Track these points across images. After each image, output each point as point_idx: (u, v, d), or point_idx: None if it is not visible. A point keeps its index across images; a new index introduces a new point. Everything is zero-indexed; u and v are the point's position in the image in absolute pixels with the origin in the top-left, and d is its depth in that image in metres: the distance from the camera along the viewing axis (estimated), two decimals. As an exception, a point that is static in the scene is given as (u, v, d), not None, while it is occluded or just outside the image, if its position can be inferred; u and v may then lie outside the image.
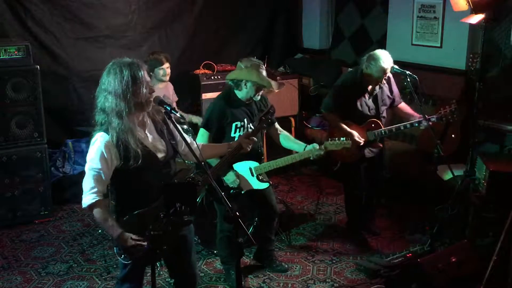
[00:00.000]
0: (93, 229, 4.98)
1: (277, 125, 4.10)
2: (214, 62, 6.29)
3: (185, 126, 4.74)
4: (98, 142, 2.72)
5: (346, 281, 4.19)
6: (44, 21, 5.51)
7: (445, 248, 4.22)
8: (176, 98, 5.45)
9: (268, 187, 4.04)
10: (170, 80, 5.30)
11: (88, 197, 2.72)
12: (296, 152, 3.96)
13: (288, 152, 4.06)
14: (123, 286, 3.02)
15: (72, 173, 5.61)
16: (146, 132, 2.84)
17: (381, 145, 4.57)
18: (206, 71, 6.23)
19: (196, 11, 6.45)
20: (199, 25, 6.48)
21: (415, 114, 4.51)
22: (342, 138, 3.89)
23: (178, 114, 2.96)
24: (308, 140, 6.51)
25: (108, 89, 2.69)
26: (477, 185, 4.39)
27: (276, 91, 3.93)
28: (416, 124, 4.40)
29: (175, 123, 2.88)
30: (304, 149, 3.88)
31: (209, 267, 4.38)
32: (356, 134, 4.41)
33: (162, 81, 5.08)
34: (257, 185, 3.94)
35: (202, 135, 3.86)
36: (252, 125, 3.89)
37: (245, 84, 3.79)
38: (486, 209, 4.24)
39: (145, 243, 2.70)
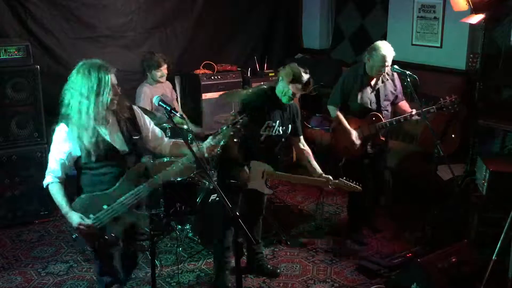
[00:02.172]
0: (93, 229, 4.98)
1: (302, 140, 4.12)
2: (214, 62, 6.29)
3: (185, 126, 4.74)
4: (58, 132, 3.01)
5: (346, 281, 4.19)
6: (44, 21, 5.51)
7: (445, 248, 4.21)
8: (175, 96, 5.47)
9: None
10: (170, 79, 5.32)
11: (47, 178, 3.05)
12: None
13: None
14: (103, 278, 3.27)
15: (72, 173, 5.59)
16: (107, 127, 3.05)
17: (383, 139, 4.59)
18: (206, 71, 6.22)
19: (196, 11, 6.44)
20: (199, 25, 6.48)
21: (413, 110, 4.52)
22: (354, 182, 3.98)
23: (178, 114, 3.09)
24: (308, 140, 6.52)
25: (75, 87, 2.93)
26: (477, 185, 4.40)
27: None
28: (417, 116, 4.39)
29: (175, 123, 3.05)
30: (318, 176, 3.98)
31: (209, 267, 4.37)
32: (354, 134, 4.48)
33: (159, 82, 5.12)
34: (261, 188, 3.95)
35: None
36: (281, 129, 3.90)
37: (280, 81, 3.82)
38: (486, 209, 4.24)
39: (89, 226, 2.98)
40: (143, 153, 3.22)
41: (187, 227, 4.68)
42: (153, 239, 3.76)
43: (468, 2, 4.54)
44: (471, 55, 4.67)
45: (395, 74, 4.58)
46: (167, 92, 5.32)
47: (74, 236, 3.11)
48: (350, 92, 4.54)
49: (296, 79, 3.75)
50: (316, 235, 4.93)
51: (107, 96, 2.94)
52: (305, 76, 3.77)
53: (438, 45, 5.72)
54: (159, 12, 6.17)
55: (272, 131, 3.87)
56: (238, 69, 6.46)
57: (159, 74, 5.07)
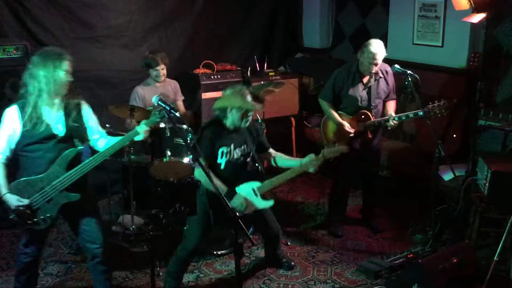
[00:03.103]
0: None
1: (271, 149, 4.07)
2: (214, 62, 6.27)
3: (184, 126, 4.71)
4: (8, 112, 3.26)
5: (346, 282, 4.17)
6: (44, 21, 5.48)
7: (446, 248, 4.20)
8: (181, 97, 5.35)
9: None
10: (170, 78, 5.29)
11: None
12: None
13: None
14: (25, 252, 3.58)
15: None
16: (52, 111, 3.30)
17: (370, 136, 4.64)
18: (206, 70, 6.21)
19: (196, 11, 6.42)
20: (199, 25, 6.46)
21: (392, 113, 4.57)
22: (336, 146, 3.82)
23: (178, 114, 3.12)
24: (308, 140, 6.52)
25: (32, 70, 3.23)
26: (479, 185, 4.38)
27: (258, 109, 3.88)
28: (404, 118, 4.48)
29: (174, 122, 3.13)
30: (301, 163, 3.83)
31: (208, 268, 4.36)
32: (346, 124, 4.58)
33: (157, 81, 5.03)
34: (262, 204, 3.82)
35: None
36: (239, 150, 3.81)
37: (230, 111, 3.72)
38: (488, 210, 4.23)
39: (26, 206, 3.25)
40: (80, 141, 3.42)
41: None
42: (153, 239, 3.77)
43: (470, 1, 4.53)
44: (472, 54, 4.64)
45: (389, 72, 4.61)
46: (169, 93, 5.20)
47: (11, 217, 3.33)
48: (342, 89, 4.62)
49: (243, 107, 3.67)
50: (316, 236, 4.92)
51: (58, 81, 3.21)
52: (248, 96, 3.69)
53: (440, 44, 5.71)
54: (159, 12, 6.15)
55: (229, 156, 3.78)
56: (238, 68, 6.44)
57: (154, 73, 4.97)
